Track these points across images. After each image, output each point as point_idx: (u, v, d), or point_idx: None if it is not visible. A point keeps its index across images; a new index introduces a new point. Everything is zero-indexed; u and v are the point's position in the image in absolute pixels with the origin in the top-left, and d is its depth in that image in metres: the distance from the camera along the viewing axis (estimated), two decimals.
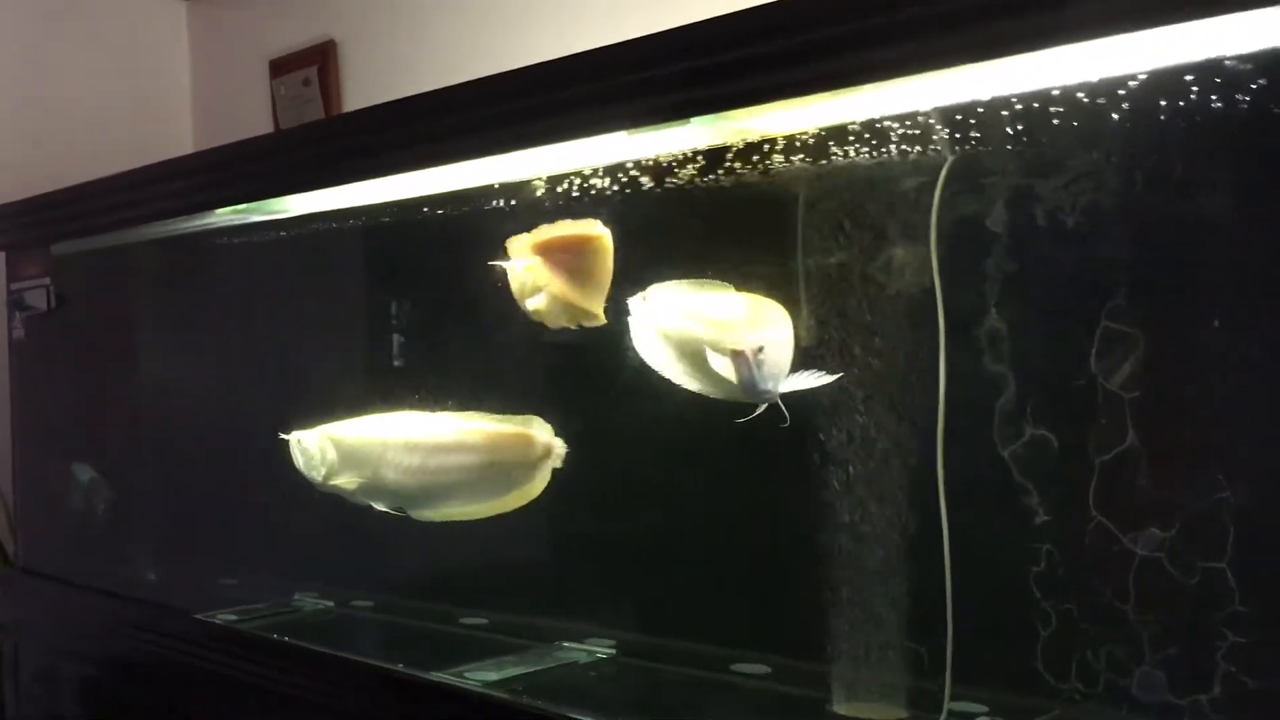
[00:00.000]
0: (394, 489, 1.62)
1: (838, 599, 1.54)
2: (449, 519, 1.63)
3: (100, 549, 2.63)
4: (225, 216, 2.13)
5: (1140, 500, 1.42)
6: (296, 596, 2.30)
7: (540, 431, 1.63)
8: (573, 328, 1.55)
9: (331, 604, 2.27)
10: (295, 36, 3.19)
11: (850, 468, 1.53)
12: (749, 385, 1.38)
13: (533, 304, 1.54)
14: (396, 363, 2.26)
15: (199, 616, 2.15)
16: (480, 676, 1.74)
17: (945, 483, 1.46)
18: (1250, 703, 1.35)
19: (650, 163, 1.61)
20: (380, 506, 1.63)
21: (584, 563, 1.97)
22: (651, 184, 1.63)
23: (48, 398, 2.70)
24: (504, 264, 1.56)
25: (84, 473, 2.61)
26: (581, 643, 1.88)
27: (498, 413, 1.66)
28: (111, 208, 2.25)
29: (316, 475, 1.64)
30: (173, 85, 3.60)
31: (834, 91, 1.29)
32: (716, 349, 1.39)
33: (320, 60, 3.15)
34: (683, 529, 1.81)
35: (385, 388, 2.09)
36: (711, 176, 1.60)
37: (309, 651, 1.95)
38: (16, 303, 2.59)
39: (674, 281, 1.52)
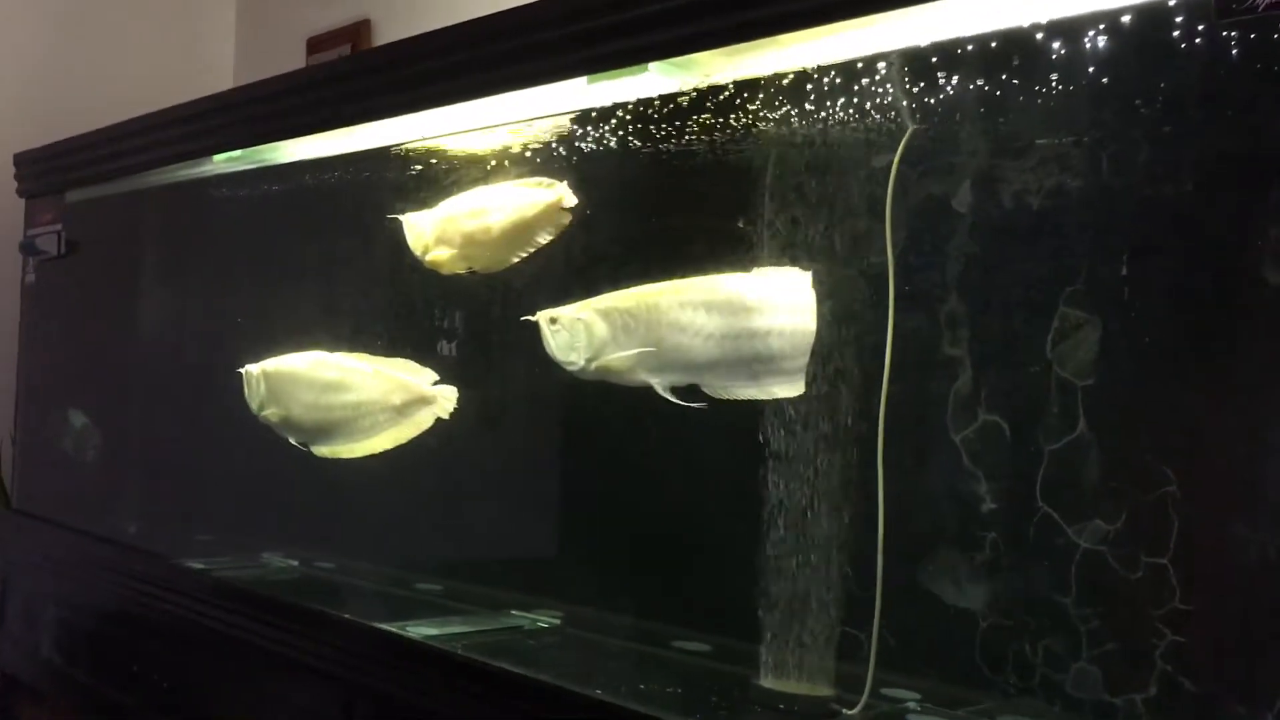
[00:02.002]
0: (297, 424, 1.63)
1: (774, 580, 1.49)
2: (338, 455, 1.64)
3: (87, 494, 2.65)
4: (221, 165, 2.15)
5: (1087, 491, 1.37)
6: (264, 555, 2.31)
7: (416, 379, 1.62)
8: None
9: (296, 563, 2.27)
10: (333, 15, 3.24)
11: (791, 452, 1.49)
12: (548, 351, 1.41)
13: (431, 256, 1.57)
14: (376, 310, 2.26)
15: (174, 562, 2.17)
16: (421, 631, 1.73)
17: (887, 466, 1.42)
18: (1187, 706, 1.29)
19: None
20: (293, 440, 1.63)
21: (538, 538, 1.96)
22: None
23: (54, 342, 2.74)
24: (400, 218, 1.60)
25: (77, 418, 2.63)
26: (529, 612, 1.86)
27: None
28: (116, 155, 2.29)
29: (253, 406, 1.65)
30: (218, 59, 3.67)
31: None
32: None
33: (355, 39, 3.19)
34: (626, 512, 1.79)
35: (358, 332, 2.09)
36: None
37: (273, 601, 1.95)
38: (28, 247, 2.62)
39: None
